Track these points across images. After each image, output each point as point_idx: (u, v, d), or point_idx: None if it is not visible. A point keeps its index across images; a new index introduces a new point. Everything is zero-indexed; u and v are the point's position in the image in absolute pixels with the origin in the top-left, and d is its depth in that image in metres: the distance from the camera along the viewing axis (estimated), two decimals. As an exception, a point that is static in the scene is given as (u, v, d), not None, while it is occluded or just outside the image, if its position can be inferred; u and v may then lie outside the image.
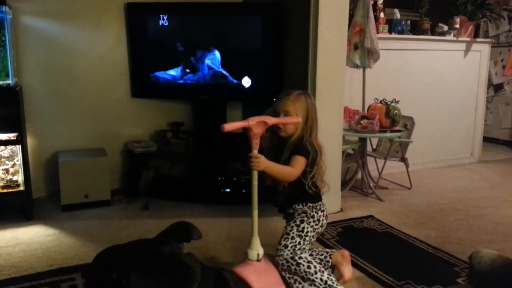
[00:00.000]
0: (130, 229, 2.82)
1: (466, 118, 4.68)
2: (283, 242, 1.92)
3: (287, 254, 1.88)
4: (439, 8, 4.56)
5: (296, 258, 1.86)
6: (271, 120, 1.80)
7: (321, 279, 1.85)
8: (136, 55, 3.48)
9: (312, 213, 1.97)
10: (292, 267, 1.87)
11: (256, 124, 1.75)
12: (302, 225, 1.95)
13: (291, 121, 1.90)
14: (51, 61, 3.29)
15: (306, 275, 1.85)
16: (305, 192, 1.96)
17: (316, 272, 1.85)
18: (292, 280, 1.89)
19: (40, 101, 3.29)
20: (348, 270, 2.11)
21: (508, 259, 1.42)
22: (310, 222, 1.96)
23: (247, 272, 1.80)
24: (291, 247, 1.89)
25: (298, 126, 1.92)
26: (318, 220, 1.97)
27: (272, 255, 1.98)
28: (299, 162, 1.87)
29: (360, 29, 3.58)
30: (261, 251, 1.88)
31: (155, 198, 3.32)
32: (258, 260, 1.87)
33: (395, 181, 3.93)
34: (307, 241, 1.95)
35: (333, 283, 1.86)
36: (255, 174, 1.83)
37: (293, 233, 1.93)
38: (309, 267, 1.85)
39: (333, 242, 2.62)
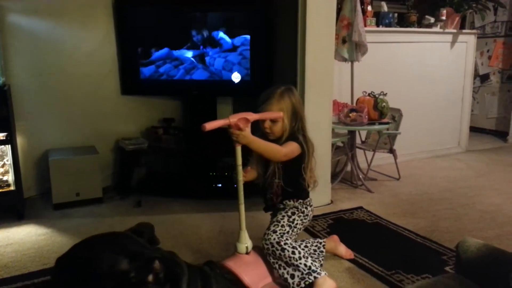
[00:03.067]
0: (122, 226, 2.79)
1: (453, 108, 4.74)
2: (272, 228, 1.96)
3: (274, 239, 1.90)
4: (426, 0, 4.60)
5: (282, 243, 1.89)
6: (252, 116, 1.78)
7: (305, 265, 1.89)
8: (125, 52, 3.46)
9: (302, 209, 2.03)
10: (277, 252, 1.89)
11: (238, 121, 1.73)
12: (293, 217, 2.00)
13: (272, 115, 1.89)
14: (39, 59, 3.26)
15: (290, 260, 1.88)
16: (298, 188, 2.00)
17: (300, 258, 1.89)
18: (276, 265, 1.92)
19: (29, 100, 3.26)
20: (343, 249, 2.34)
21: (492, 248, 1.46)
22: (300, 215, 2.02)
23: (236, 265, 1.82)
24: (280, 233, 1.93)
25: (285, 126, 1.91)
26: (307, 215, 2.05)
27: (260, 248, 2.01)
28: (290, 145, 1.88)
29: (348, 22, 3.60)
30: (249, 244, 1.91)
31: (147, 195, 3.32)
32: (247, 253, 1.89)
33: (384, 172, 3.98)
34: (295, 232, 2.00)
35: (316, 268, 1.90)
36: (240, 169, 1.85)
37: (283, 221, 1.98)
38: (293, 252, 1.89)
39: (323, 234, 2.66)
